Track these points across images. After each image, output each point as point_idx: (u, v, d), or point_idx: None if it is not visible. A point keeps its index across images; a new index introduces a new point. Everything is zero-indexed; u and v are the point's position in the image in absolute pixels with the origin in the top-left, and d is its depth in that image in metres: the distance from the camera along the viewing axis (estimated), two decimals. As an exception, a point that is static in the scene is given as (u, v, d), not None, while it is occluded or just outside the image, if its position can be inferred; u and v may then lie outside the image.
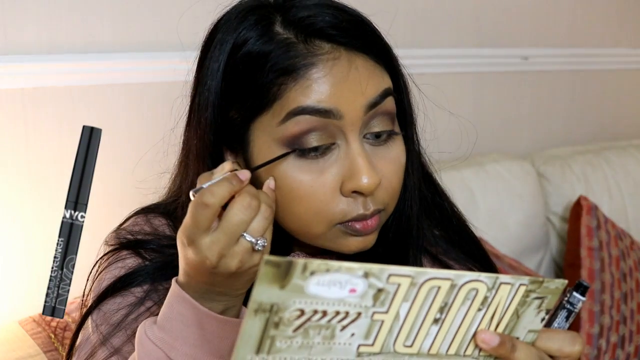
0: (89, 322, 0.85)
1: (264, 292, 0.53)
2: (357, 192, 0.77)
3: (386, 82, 0.79)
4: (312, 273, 0.53)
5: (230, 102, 0.78)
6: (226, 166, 0.72)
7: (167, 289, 0.84)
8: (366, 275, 0.55)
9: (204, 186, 0.68)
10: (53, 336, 1.19)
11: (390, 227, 0.87)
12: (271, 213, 0.71)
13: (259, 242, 0.69)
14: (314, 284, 0.54)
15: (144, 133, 1.38)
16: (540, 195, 1.83)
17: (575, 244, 1.75)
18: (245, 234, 0.68)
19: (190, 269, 0.70)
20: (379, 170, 0.78)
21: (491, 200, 1.73)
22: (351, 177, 0.76)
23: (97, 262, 0.90)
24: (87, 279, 0.90)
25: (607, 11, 2.15)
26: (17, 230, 1.29)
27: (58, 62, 1.31)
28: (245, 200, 0.68)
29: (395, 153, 0.80)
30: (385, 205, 0.80)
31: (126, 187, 1.37)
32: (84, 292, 0.90)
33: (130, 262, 0.87)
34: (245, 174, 0.69)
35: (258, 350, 0.56)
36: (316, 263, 0.53)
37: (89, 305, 0.86)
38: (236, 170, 0.71)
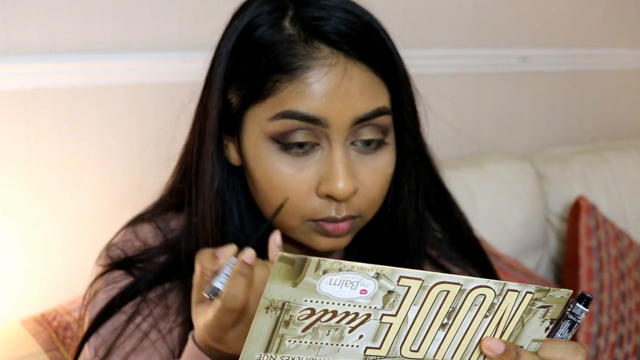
0: (86, 349, 0.84)
1: (276, 290, 0.54)
2: (331, 196, 0.77)
3: (381, 101, 0.78)
4: (325, 272, 0.54)
5: (230, 83, 0.80)
6: (229, 251, 0.69)
7: (157, 298, 0.84)
8: (377, 276, 0.55)
9: (216, 285, 0.65)
10: (54, 335, 1.19)
11: (386, 237, 0.88)
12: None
13: None
14: (326, 283, 0.54)
15: (145, 133, 1.38)
16: (539, 195, 1.83)
17: (574, 243, 1.75)
18: None
19: (216, 353, 0.69)
20: (359, 178, 0.78)
21: (490, 200, 1.73)
22: (327, 181, 0.77)
23: (90, 284, 0.89)
24: (82, 304, 0.89)
25: (606, 12, 2.15)
26: (17, 230, 1.29)
27: (59, 62, 1.31)
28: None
29: (381, 163, 0.80)
30: (361, 212, 0.80)
31: (127, 187, 1.37)
32: (80, 315, 0.90)
33: (123, 285, 0.86)
34: (250, 256, 0.66)
35: (267, 348, 0.56)
36: (329, 262, 0.54)
37: (85, 331, 0.85)
38: (238, 252, 0.68)
